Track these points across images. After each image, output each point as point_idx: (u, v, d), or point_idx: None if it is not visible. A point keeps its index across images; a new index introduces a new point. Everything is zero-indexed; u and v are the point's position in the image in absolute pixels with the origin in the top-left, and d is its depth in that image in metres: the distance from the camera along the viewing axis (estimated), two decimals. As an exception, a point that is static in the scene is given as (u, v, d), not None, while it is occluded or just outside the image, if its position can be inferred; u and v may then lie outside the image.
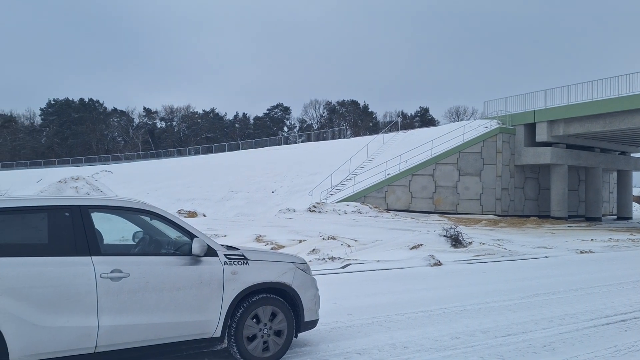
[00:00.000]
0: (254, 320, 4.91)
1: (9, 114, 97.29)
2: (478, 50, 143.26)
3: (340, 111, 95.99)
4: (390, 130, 48.99)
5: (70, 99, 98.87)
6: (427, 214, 31.72)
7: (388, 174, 32.74)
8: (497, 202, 34.32)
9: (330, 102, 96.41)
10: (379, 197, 32.05)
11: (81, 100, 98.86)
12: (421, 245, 14.89)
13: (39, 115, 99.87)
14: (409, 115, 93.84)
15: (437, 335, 6.06)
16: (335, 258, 12.97)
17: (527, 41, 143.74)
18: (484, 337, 6.02)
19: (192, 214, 28.93)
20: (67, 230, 4.26)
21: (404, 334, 6.07)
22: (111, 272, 4.25)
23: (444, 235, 15.87)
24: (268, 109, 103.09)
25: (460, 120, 63.62)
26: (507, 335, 6.12)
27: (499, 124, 35.39)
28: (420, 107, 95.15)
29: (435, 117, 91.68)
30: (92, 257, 4.24)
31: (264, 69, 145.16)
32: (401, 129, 50.21)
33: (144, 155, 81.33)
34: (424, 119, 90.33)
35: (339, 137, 64.91)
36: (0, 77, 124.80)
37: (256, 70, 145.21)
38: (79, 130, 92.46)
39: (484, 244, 16.23)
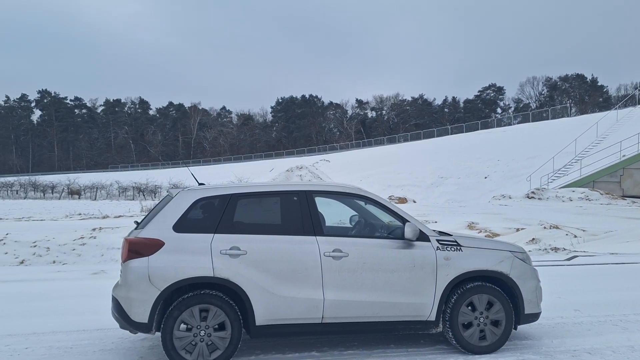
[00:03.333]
0: (469, 307, 4.82)
1: (247, 113, 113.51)
2: None
3: (563, 87, 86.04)
4: (625, 105, 42.05)
5: (294, 96, 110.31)
6: (680, 202, 26.33)
7: (624, 156, 28.18)
8: None
9: (551, 78, 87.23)
10: (611, 182, 27.86)
11: (303, 96, 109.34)
12: (672, 238, 12.48)
13: (270, 113, 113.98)
14: (654, 85, 78.81)
15: (694, 345, 5.05)
16: (558, 249, 11.81)
17: None
18: None
19: (402, 200, 29.49)
20: (296, 213, 4.79)
21: (646, 339, 5.22)
22: (333, 251, 4.65)
23: None
24: (479, 91, 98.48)
25: None
26: None
27: None
28: (669, 74, 79.10)
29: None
30: (317, 237, 4.69)
31: (471, 50, 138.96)
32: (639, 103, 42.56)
33: (357, 144, 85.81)
34: (675, 87, 74.73)
35: (562, 116, 58.12)
36: (240, 82, 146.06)
37: (463, 52, 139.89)
38: (301, 124, 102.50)
39: None
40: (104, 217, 19.96)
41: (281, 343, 5.07)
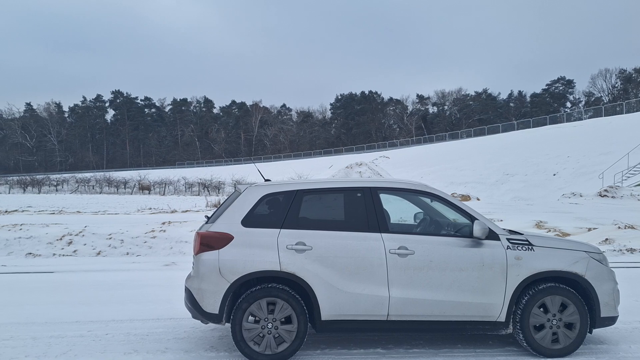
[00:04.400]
0: (541, 309, 4.64)
1: (307, 111, 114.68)
2: None
3: (638, 79, 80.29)
4: None
5: (354, 92, 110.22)
6: None
7: None
8: None
9: (625, 70, 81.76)
10: (697, 179, 25.76)
11: (362, 93, 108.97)
12: None
13: (329, 110, 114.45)
14: None
15: None
16: (635, 250, 11.10)
17: None
18: None
19: (466, 198, 28.70)
20: (361, 209, 4.80)
21: None
22: (398, 248, 4.61)
23: None
24: (547, 85, 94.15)
25: None
26: None
27: None
28: None
29: None
30: (382, 234, 4.68)
31: (537, 41, 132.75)
32: None
33: (417, 140, 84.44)
34: None
35: (636, 110, 54.34)
36: (300, 80, 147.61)
37: (529, 44, 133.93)
38: (360, 120, 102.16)
39: None
40: (172, 212, 20.83)
41: (346, 338, 5.11)
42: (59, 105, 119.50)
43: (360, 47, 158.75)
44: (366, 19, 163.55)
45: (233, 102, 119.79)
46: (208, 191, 47.29)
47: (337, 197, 4.91)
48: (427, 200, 5.26)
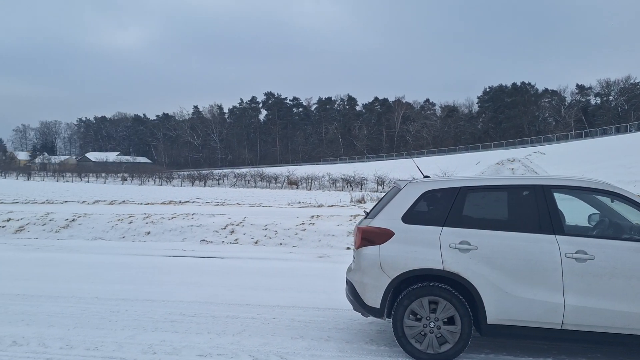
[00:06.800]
0: None
1: (451, 105, 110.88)
2: None
3: None
4: None
5: (503, 84, 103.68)
6: None
7: None
8: None
9: None
10: None
11: (513, 84, 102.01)
12: None
13: (476, 103, 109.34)
14: None
15: None
16: None
17: None
18: None
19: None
20: (531, 209, 4.47)
21: None
22: (576, 252, 4.22)
23: None
24: None
25: None
26: None
27: None
28: None
29: None
30: (557, 236, 4.31)
31: None
32: None
33: (577, 134, 76.47)
34: None
35: None
36: (444, 74, 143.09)
37: None
38: (511, 114, 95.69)
39: None
40: (319, 206, 21.68)
41: (512, 344, 4.83)
42: (220, 107, 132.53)
43: (508, 37, 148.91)
44: (511, 6, 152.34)
45: (375, 98, 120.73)
46: (351, 187, 48.29)
47: (505, 195, 4.64)
48: (607, 200, 4.73)
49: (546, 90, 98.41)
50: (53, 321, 5.53)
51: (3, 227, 14.32)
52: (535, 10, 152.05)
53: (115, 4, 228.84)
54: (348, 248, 11.55)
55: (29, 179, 69.65)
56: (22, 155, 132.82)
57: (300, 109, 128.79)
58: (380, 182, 46.38)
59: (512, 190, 4.63)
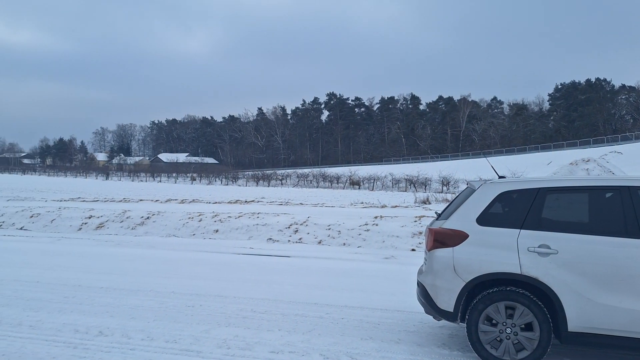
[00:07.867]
0: None
1: (520, 103, 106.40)
2: None
3: None
4: None
5: (577, 81, 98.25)
6: None
7: None
8: None
9: None
10: None
11: (587, 81, 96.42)
12: None
13: (547, 101, 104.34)
14: None
15: None
16: None
17: None
18: None
19: None
20: (617, 211, 4.21)
21: None
22: (668, 259, 3.92)
23: None
24: None
25: None
26: None
27: None
28: None
29: None
30: (645, 240, 4.03)
31: None
32: None
33: (660, 132, 71.01)
34: None
35: None
36: (513, 71, 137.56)
37: None
38: (585, 111, 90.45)
39: None
40: (382, 207, 21.50)
41: (592, 353, 4.57)
42: (283, 109, 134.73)
43: (580, 31, 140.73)
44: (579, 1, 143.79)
45: (440, 97, 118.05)
46: (415, 187, 47.54)
47: (588, 196, 4.39)
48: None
49: (623, 86, 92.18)
50: (134, 313, 5.85)
51: (85, 224, 15.33)
52: (610, 1, 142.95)
53: (180, 10, 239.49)
54: (413, 250, 11.38)
55: (107, 178, 74.26)
56: (101, 157, 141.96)
57: (362, 109, 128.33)
58: (445, 182, 45.31)
59: (596, 192, 4.37)
